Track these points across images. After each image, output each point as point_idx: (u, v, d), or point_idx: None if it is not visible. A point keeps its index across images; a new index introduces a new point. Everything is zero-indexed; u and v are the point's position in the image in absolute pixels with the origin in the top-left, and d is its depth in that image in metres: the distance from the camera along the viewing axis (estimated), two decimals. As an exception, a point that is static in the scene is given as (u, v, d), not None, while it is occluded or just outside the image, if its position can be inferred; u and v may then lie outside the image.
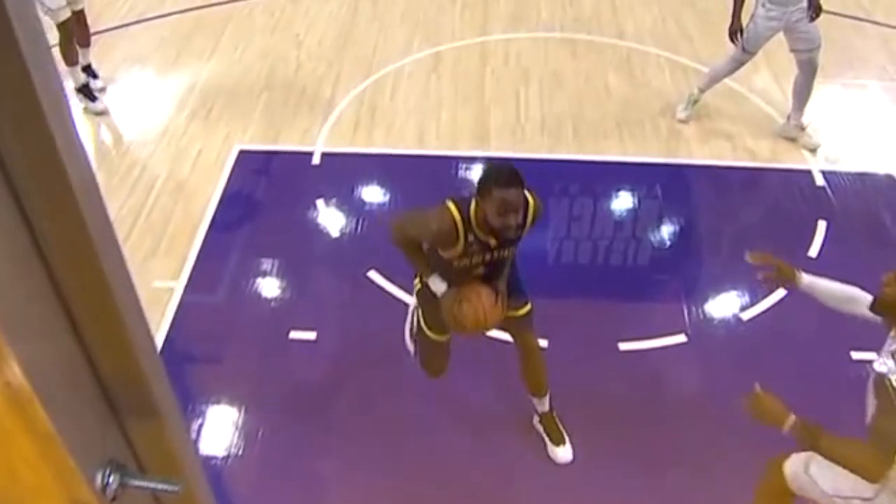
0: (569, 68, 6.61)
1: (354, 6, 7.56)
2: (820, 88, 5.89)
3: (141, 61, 6.59)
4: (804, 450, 2.95)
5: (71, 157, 0.98)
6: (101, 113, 6.11)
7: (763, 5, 5.41)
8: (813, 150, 5.77)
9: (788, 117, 5.85)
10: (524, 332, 3.70)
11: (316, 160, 5.67)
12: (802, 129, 5.81)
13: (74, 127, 0.98)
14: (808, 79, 5.61)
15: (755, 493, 3.36)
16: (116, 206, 5.20)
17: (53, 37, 5.66)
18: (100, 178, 5.47)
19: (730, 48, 5.70)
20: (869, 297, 3.08)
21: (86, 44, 6.17)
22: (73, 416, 1.13)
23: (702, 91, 6.00)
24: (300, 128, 5.98)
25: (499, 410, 4.11)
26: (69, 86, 6.04)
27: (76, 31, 5.99)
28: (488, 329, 3.56)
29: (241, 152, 5.74)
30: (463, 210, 3.26)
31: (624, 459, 3.88)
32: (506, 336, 3.79)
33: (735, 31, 5.55)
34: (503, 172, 3.12)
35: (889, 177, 5.57)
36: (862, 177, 5.62)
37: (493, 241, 3.29)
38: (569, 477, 3.82)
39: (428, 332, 3.76)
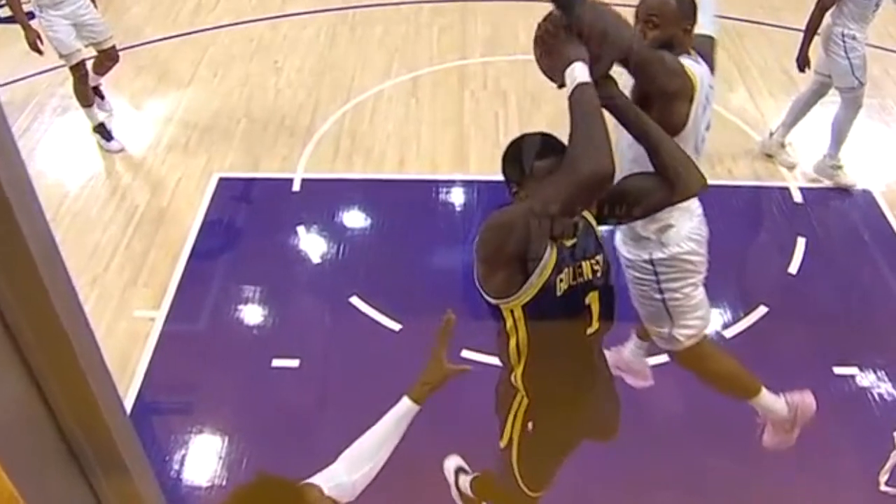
0: (547, 90, 6.56)
1: (332, 32, 7.58)
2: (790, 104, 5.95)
3: (119, 90, 6.57)
4: None
5: (23, 210, 0.96)
6: (118, 151, 6.04)
7: (849, 34, 5.20)
8: (790, 168, 5.81)
9: (771, 133, 5.89)
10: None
11: (296, 186, 5.67)
12: (783, 146, 5.85)
13: (28, 180, 0.96)
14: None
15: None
16: (96, 236, 5.18)
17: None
18: (78, 207, 5.50)
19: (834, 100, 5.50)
20: None
21: (103, 73, 6.14)
22: (36, 475, 1.10)
23: (834, 155, 5.61)
24: (280, 154, 5.98)
25: (488, 435, 4.09)
26: (87, 126, 6.04)
27: (105, 64, 5.98)
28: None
29: (221, 180, 5.72)
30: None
31: (610, 480, 3.87)
32: (497, 361, 3.77)
33: (804, 62, 5.41)
34: (538, 140, 2.46)
35: (866, 192, 5.62)
36: (839, 193, 5.66)
37: (567, 241, 2.46)
38: (554, 499, 3.80)
39: (525, 489, 2.95)
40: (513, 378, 2.66)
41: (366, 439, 2.30)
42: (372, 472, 2.26)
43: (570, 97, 2.23)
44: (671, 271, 3.28)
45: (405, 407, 2.34)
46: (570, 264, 2.45)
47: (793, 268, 4.99)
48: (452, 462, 3.62)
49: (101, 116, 6.15)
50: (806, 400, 3.51)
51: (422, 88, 6.75)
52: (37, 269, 0.95)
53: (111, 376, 1.17)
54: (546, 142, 2.44)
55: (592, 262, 2.51)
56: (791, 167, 5.81)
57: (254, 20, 7.76)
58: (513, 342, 2.55)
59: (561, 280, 2.42)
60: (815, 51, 5.39)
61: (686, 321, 3.37)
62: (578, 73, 2.23)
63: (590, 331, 2.58)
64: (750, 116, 6.35)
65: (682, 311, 3.36)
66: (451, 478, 3.61)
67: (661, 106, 2.94)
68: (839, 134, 5.53)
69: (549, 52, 2.39)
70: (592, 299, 2.54)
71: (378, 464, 2.28)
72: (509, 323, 2.50)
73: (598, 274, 2.53)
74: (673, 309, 3.35)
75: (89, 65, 6.02)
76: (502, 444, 2.88)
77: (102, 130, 6.04)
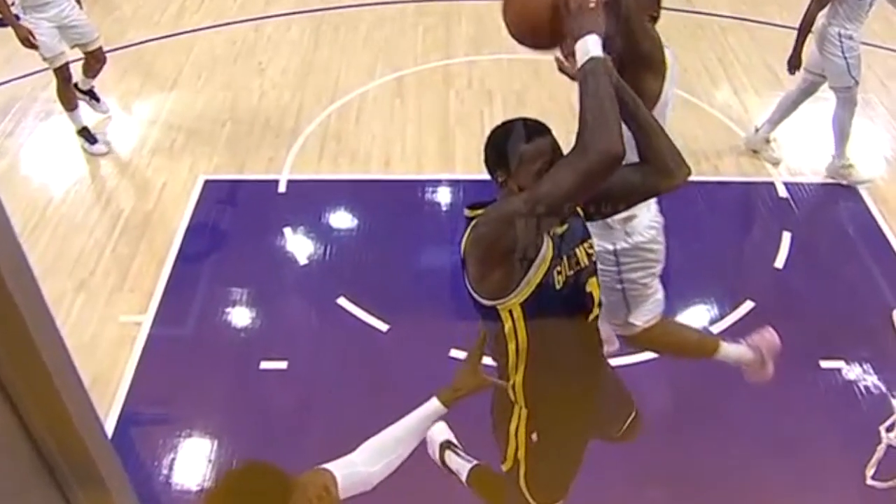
0: (532, 88, 6.65)
1: (316, 33, 7.57)
2: (778, 101, 5.97)
3: (103, 92, 6.53)
4: None
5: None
6: (103, 154, 6.02)
7: (846, 34, 5.21)
8: (775, 164, 5.84)
9: (757, 129, 5.91)
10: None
11: (282, 188, 5.65)
12: (768, 141, 5.87)
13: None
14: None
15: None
16: (82, 241, 5.15)
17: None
18: (63, 211, 5.47)
19: (830, 98, 5.51)
20: None
21: (94, 76, 6.14)
22: (12, 495, 1.09)
23: (842, 154, 5.63)
24: (265, 156, 5.96)
25: (479, 434, 4.10)
26: (71, 129, 6.03)
27: (93, 66, 5.99)
28: None
29: (207, 182, 5.70)
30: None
31: (598, 477, 3.87)
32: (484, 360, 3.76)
33: (796, 64, 5.43)
34: (523, 123, 2.35)
35: (850, 187, 5.64)
36: (823, 187, 5.69)
37: (558, 229, 2.36)
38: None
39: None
40: (511, 388, 2.53)
41: (387, 433, 2.30)
42: (390, 466, 2.26)
43: (581, 71, 2.09)
44: (633, 261, 3.31)
45: (433, 407, 2.33)
46: (565, 253, 2.35)
47: (779, 262, 5.01)
48: (440, 433, 3.35)
49: (97, 118, 6.20)
50: (766, 336, 3.61)
51: (407, 88, 6.75)
52: (5, 284, 0.93)
53: (86, 391, 1.16)
54: (530, 124, 2.34)
55: (585, 245, 2.44)
56: (776, 163, 5.83)
57: (237, 22, 7.74)
58: (511, 346, 2.42)
59: (559, 272, 2.32)
60: (805, 49, 5.40)
61: (643, 309, 3.41)
62: (592, 46, 2.07)
63: (591, 317, 2.49)
64: (734, 113, 6.37)
65: (640, 301, 3.40)
66: (434, 451, 3.36)
67: (639, 76, 2.86)
68: (841, 133, 5.56)
69: (567, 18, 2.13)
70: (592, 285, 2.46)
71: (398, 459, 2.28)
72: (507, 325, 2.37)
73: (592, 257, 2.46)
74: (632, 299, 3.40)
75: (79, 68, 6.01)
76: (506, 466, 2.72)
77: (86, 134, 6.01)
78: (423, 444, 2.45)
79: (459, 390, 2.35)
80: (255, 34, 7.57)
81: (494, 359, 2.54)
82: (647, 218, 3.30)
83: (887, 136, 5.65)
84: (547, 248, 2.29)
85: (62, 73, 5.69)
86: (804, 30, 5.27)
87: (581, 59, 2.08)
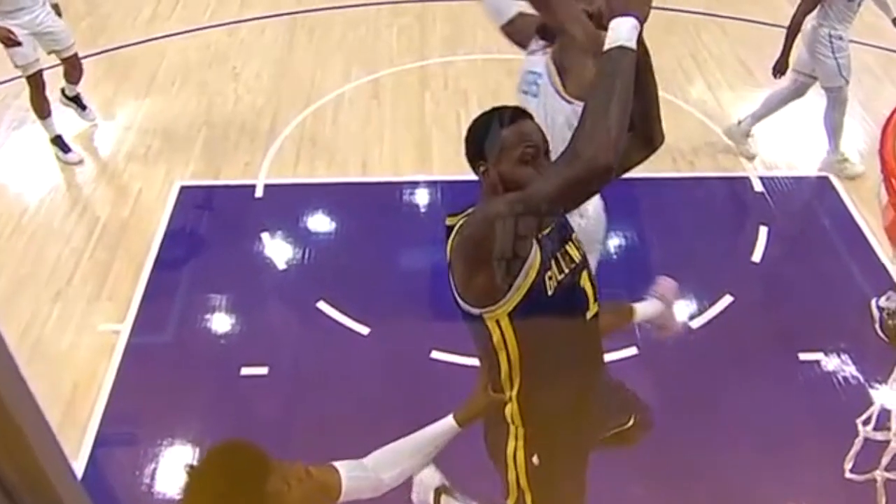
0: (508, 88, 6.61)
1: (290, 36, 7.54)
2: (752, 95, 6.02)
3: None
4: None
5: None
6: (77, 163, 5.96)
7: (836, 35, 5.26)
8: (750, 159, 5.87)
9: (739, 122, 5.93)
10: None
11: (259, 193, 5.63)
12: (748, 136, 5.91)
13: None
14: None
15: None
16: (58, 250, 5.11)
17: None
18: (39, 221, 5.42)
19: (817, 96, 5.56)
20: None
21: (77, 81, 6.09)
22: None
23: (836, 149, 5.70)
24: (241, 161, 5.93)
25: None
26: (44, 137, 5.97)
27: (71, 72, 5.95)
28: None
29: (183, 188, 5.67)
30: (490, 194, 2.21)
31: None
32: (466, 361, 3.77)
33: (782, 69, 5.45)
34: (502, 108, 2.29)
35: (824, 179, 5.69)
36: (798, 181, 5.74)
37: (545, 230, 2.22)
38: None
39: None
40: (506, 408, 2.35)
41: (400, 443, 2.31)
42: (400, 476, 2.28)
43: (605, 57, 1.88)
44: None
45: (447, 424, 2.33)
46: (556, 254, 2.21)
47: (756, 256, 5.04)
48: (430, 478, 2.89)
49: (84, 126, 6.22)
50: (663, 284, 3.69)
51: (382, 90, 6.74)
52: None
53: (52, 431, 1.14)
54: (508, 109, 2.26)
55: (573, 240, 2.30)
56: (751, 157, 5.87)
57: (210, 26, 7.70)
58: (503, 358, 2.25)
59: (550, 277, 2.16)
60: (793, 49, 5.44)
61: None
62: (627, 31, 1.85)
63: (589, 315, 2.31)
64: (709, 108, 6.40)
65: None
66: (428, 500, 2.91)
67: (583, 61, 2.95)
68: (834, 130, 5.64)
69: None
70: (585, 280, 2.29)
71: (408, 470, 2.30)
72: (496, 336, 2.21)
73: (580, 251, 2.31)
74: None
75: (56, 76, 5.96)
76: (511, 500, 2.48)
77: (60, 142, 5.95)
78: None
79: (472, 409, 2.34)
80: (228, 39, 7.53)
81: (489, 373, 2.35)
82: (595, 198, 3.33)
83: (860, 129, 5.70)
84: (535, 253, 2.14)
85: (35, 80, 5.63)
86: (792, 33, 5.31)
87: (611, 41, 1.87)
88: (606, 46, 1.87)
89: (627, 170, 2.32)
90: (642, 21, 1.87)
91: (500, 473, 2.47)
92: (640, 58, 1.99)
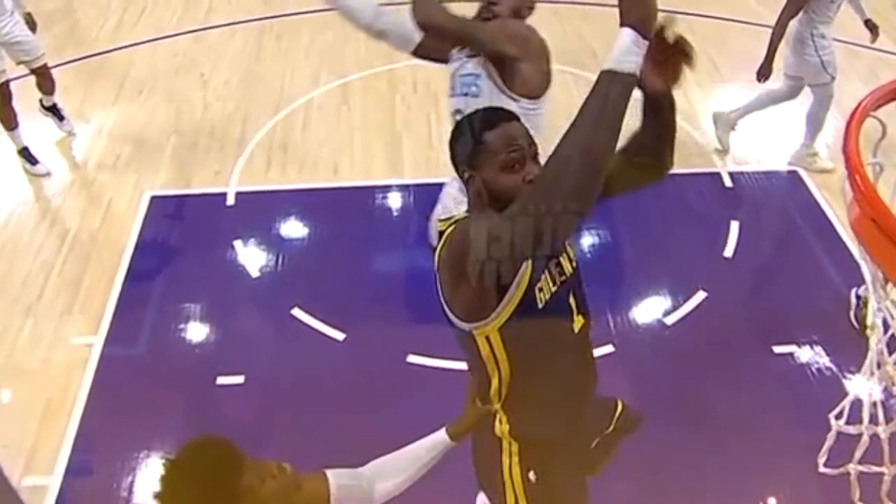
0: (477, 90, 6.65)
1: (258, 42, 7.52)
2: (720, 91, 6.05)
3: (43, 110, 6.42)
4: None
5: None
6: (45, 175, 5.89)
7: (818, 34, 5.34)
8: (724, 152, 5.92)
9: (732, 112, 5.96)
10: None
11: (230, 200, 5.60)
12: (733, 128, 5.96)
13: None
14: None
15: None
16: (28, 264, 5.06)
17: None
18: (7, 235, 5.36)
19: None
20: None
21: (51, 91, 6.05)
22: None
23: (810, 144, 5.77)
24: (212, 169, 5.90)
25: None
26: (11, 148, 5.91)
27: (42, 83, 5.91)
28: None
29: (153, 198, 5.63)
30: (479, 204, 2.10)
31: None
32: (443, 364, 3.75)
33: (767, 73, 5.47)
34: (484, 112, 2.15)
35: (793, 173, 5.75)
36: (768, 175, 5.79)
37: None
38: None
39: None
40: (496, 419, 2.30)
41: (392, 456, 2.31)
42: (395, 489, 2.28)
43: (597, 80, 1.76)
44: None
45: (440, 437, 2.33)
46: (547, 266, 2.11)
47: (728, 251, 5.08)
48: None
49: (62, 135, 6.22)
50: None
51: (352, 95, 6.73)
52: None
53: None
54: (494, 111, 2.15)
55: (568, 250, 2.23)
56: (724, 150, 5.92)
57: (177, 34, 7.65)
58: (492, 369, 2.18)
59: (540, 290, 2.07)
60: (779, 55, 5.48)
61: None
62: (622, 51, 1.75)
63: (578, 327, 2.23)
64: (678, 104, 6.41)
65: None
66: None
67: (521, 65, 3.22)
68: (815, 126, 5.70)
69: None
70: (572, 294, 2.22)
71: (401, 484, 2.29)
72: (485, 351, 2.14)
73: (573, 263, 2.22)
74: None
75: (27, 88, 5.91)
76: None
77: (27, 154, 5.88)
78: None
79: (464, 422, 2.35)
80: (196, 45, 7.49)
81: (478, 385, 2.29)
82: None
83: (828, 124, 5.75)
84: (525, 266, 2.01)
85: (1, 91, 5.57)
86: (777, 37, 5.36)
87: (612, 63, 1.75)
88: (609, 63, 1.74)
89: (632, 191, 2.32)
90: (642, 33, 1.76)
91: (497, 496, 2.39)
92: (661, 99, 2.09)
